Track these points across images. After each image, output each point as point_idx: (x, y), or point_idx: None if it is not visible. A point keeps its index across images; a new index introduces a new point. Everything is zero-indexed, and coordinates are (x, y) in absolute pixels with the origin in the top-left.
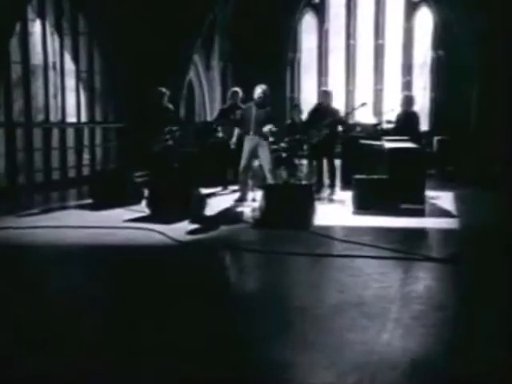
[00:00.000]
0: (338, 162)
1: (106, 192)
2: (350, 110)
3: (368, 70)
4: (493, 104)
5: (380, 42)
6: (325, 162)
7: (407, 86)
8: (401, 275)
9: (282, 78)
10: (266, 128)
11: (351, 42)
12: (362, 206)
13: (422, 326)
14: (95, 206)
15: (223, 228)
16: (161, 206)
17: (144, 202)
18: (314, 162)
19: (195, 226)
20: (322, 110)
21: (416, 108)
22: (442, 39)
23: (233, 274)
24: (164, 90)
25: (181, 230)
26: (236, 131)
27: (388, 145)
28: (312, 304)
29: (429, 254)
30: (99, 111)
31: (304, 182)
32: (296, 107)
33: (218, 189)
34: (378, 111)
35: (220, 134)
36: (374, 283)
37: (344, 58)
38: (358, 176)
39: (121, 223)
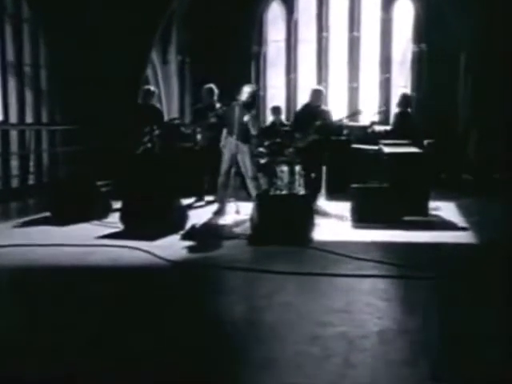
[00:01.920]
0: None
1: (68, 204)
2: (342, 118)
3: (342, 65)
4: (483, 104)
5: (355, 34)
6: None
7: (386, 83)
8: (433, 297)
9: (245, 73)
10: (246, 117)
11: (323, 34)
12: (362, 218)
13: (481, 357)
14: (56, 221)
15: (214, 244)
16: (137, 220)
17: (117, 216)
18: (297, 170)
19: (182, 242)
20: (312, 111)
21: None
22: (425, 31)
23: (241, 298)
24: (152, 88)
25: (166, 247)
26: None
27: (387, 149)
28: (353, 332)
29: (451, 271)
30: (46, 111)
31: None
32: (277, 109)
33: (192, 199)
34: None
35: (198, 138)
36: (410, 307)
37: (315, 52)
38: (356, 185)
39: (96, 240)
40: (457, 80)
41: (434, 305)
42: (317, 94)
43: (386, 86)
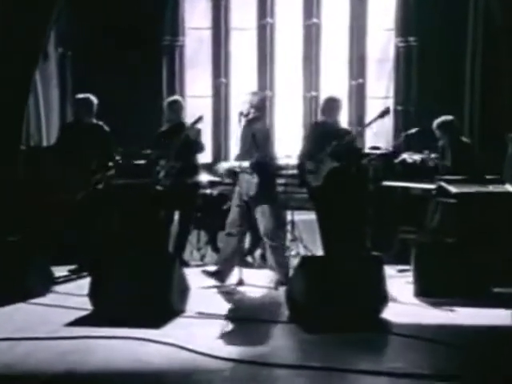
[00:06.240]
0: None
1: None
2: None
3: (295, 66)
4: (498, 120)
5: (314, 21)
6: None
7: (358, 92)
8: None
9: (153, 76)
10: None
11: (267, 20)
12: (431, 287)
13: None
14: None
15: (248, 331)
16: (117, 297)
17: (64, 287)
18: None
19: (201, 329)
20: (329, 128)
21: (376, 125)
22: (414, 19)
23: None
24: (92, 97)
25: (186, 337)
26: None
27: (455, 188)
28: None
29: None
30: None
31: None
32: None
33: None
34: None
35: (162, 174)
36: None
37: (256, 47)
38: (419, 238)
39: (70, 329)
40: (461, 86)
41: None
42: (332, 106)
43: (358, 95)
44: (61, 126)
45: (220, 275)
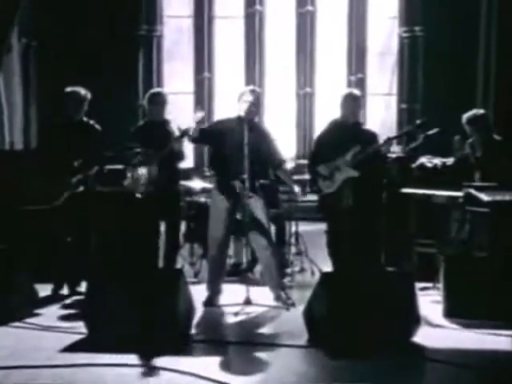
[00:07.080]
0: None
1: None
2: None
3: (287, 59)
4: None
5: (308, 8)
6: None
7: (358, 88)
8: None
9: (129, 68)
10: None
11: (256, 7)
12: (462, 309)
13: None
14: None
15: (265, 356)
16: (115, 319)
17: (51, 309)
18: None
19: (213, 355)
20: (348, 129)
21: (377, 125)
22: (419, 7)
23: None
24: (84, 91)
25: (198, 363)
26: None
27: (487, 196)
28: None
29: None
30: None
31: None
32: None
33: None
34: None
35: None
36: None
37: (243, 38)
38: (446, 252)
39: (63, 356)
40: (473, 81)
41: None
42: (351, 103)
43: (359, 91)
44: (48, 125)
45: (213, 300)
